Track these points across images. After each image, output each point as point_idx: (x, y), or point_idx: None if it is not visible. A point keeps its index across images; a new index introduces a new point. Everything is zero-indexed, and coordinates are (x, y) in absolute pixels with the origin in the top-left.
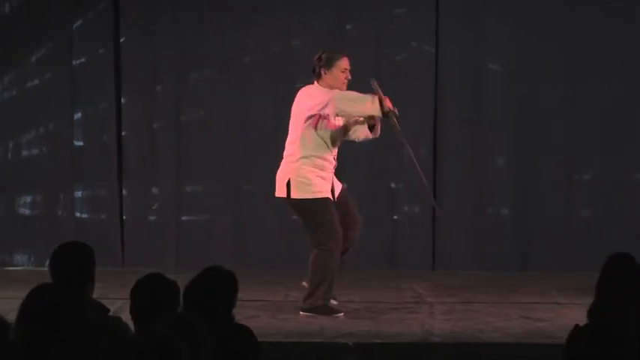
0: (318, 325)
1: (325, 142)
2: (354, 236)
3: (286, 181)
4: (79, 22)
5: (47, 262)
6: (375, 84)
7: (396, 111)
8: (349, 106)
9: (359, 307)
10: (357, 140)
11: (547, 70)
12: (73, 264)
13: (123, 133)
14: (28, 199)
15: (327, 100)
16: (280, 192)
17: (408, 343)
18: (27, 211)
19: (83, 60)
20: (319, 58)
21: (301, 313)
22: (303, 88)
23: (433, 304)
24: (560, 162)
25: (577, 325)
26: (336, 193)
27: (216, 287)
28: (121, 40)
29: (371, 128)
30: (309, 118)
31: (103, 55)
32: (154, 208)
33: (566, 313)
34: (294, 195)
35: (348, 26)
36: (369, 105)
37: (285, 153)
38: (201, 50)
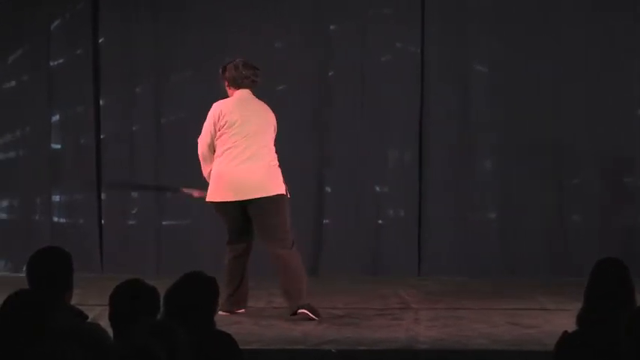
0: (301, 331)
1: None
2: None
3: (282, 180)
4: (57, 22)
5: (24, 268)
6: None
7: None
8: None
9: (343, 313)
10: None
11: (534, 71)
12: (51, 270)
13: (102, 136)
14: (5, 203)
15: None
16: (275, 190)
17: (392, 350)
18: (3, 216)
19: (61, 61)
20: (257, 71)
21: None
22: (262, 102)
23: (418, 311)
24: (548, 165)
25: (566, 332)
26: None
27: (197, 293)
28: (100, 40)
29: None
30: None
31: (82, 56)
32: (134, 212)
33: (555, 320)
34: (279, 191)
35: (332, 27)
36: None
37: (266, 156)
38: (182, 51)
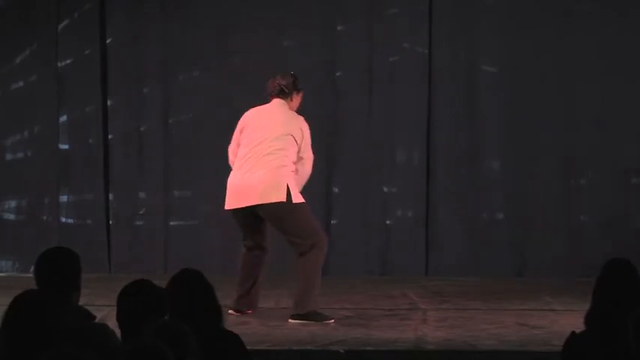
0: (308, 332)
1: None
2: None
3: (285, 186)
4: (65, 22)
5: (32, 269)
6: None
7: None
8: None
9: (351, 313)
10: None
11: (542, 71)
12: (59, 270)
13: (109, 136)
14: (13, 203)
15: (308, 152)
16: (275, 197)
17: (401, 350)
18: (11, 216)
19: (69, 61)
20: (294, 81)
21: (291, 321)
22: (287, 108)
23: (427, 311)
24: (556, 166)
25: (573, 332)
26: None
27: (187, 292)
28: (108, 40)
29: None
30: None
31: (89, 56)
32: (142, 212)
33: (562, 320)
34: (295, 200)
35: (339, 27)
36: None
37: (276, 160)
38: (190, 51)
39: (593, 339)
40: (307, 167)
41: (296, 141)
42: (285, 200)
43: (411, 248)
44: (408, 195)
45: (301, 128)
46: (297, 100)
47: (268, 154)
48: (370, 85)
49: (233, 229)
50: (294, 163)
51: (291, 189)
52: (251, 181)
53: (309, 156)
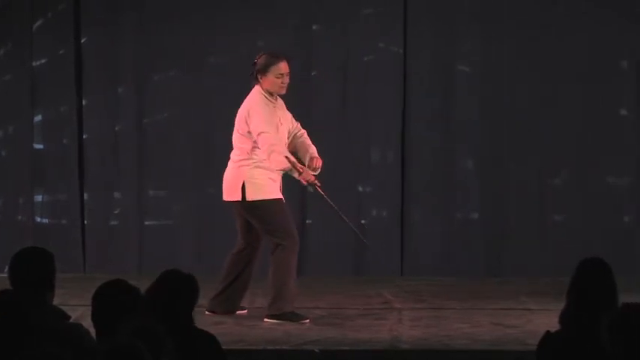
0: (283, 332)
1: None
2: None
3: (240, 184)
4: (39, 22)
5: (6, 269)
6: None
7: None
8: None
9: (326, 313)
10: None
11: (518, 71)
12: (33, 270)
13: (84, 136)
14: None
15: (255, 134)
16: (233, 195)
17: (376, 350)
18: None
19: (43, 61)
20: (255, 63)
21: (266, 320)
22: (250, 95)
23: (402, 311)
24: (531, 165)
25: (548, 332)
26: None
27: (176, 291)
28: (82, 40)
29: None
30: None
31: (64, 55)
32: (116, 212)
33: (537, 320)
34: (249, 197)
35: (314, 27)
36: (281, 165)
37: (235, 156)
38: (165, 51)
39: (568, 338)
40: (264, 153)
41: (238, 131)
42: (240, 199)
43: (386, 248)
44: (383, 194)
45: (248, 110)
46: (266, 82)
47: (233, 149)
48: (345, 85)
49: (207, 230)
50: (256, 153)
51: (247, 186)
52: (224, 177)
53: (259, 140)
